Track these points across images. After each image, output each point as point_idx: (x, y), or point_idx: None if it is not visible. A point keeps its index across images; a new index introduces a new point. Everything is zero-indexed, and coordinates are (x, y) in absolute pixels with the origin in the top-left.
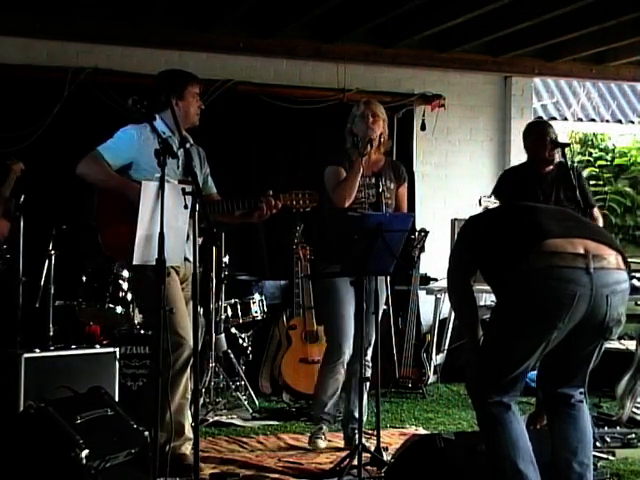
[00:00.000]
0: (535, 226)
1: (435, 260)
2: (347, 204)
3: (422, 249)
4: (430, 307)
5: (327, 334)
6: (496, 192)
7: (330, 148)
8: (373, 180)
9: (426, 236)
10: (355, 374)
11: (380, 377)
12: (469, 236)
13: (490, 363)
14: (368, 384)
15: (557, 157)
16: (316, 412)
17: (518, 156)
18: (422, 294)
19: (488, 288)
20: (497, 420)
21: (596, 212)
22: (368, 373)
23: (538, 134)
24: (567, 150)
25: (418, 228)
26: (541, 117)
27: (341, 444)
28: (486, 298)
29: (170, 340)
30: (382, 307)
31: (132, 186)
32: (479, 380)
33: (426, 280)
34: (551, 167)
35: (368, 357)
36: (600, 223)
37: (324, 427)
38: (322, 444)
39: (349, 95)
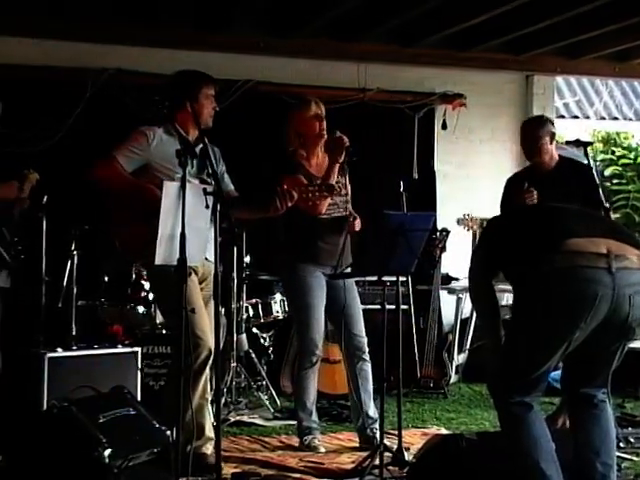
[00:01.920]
0: (558, 225)
1: (456, 260)
2: (322, 214)
3: (443, 249)
4: (452, 307)
5: (300, 334)
6: (501, 204)
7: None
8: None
9: (447, 236)
10: (360, 373)
11: (401, 377)
12: (491, 236)
13: (512, 363)
14: (367, 382)
15: (548, 156)
16: (305, 422)
17: None
18: (443, 294)
19: (510, 288)
20: (519, 420)
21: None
22: (369, 369)
23: (521, 134)
24: (589, 149)
25: (439, 228)
26: (563, 116)
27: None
28: (508, 298)
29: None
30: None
31: (148, 188)
32: (501, 380)
33: (447, 280)
34: (551, 165)
35: (367, 354)
36: None
37: (317, 434)
38: (323, 448)
39: (369, 95)
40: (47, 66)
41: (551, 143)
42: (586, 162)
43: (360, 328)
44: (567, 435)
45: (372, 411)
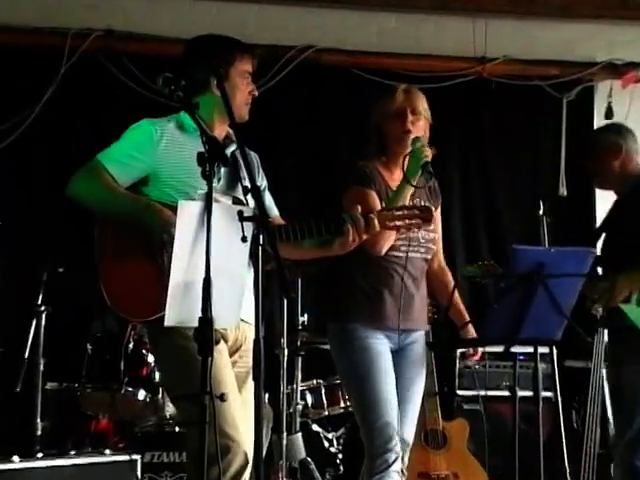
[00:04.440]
0: None
1: None
2: (383, 252)
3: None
4: None
5: (366, 423)
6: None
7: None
8: None
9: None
10: None
11: None
12: None
13: None
14: None
15: (603, 178)
16: None
17: None
18: None
19: None
20: None
21: None
22: None
23: None
24: None
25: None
26: None
27: None
28: None
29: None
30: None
31: (153, 209)
32: None
33: None
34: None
35: (405, 460)
36: None
37: None
38: None
39: (491, 67)
40: (5, 26)
41: (608, 160)
42: None
43: (413, 426)
44: None
45: None
